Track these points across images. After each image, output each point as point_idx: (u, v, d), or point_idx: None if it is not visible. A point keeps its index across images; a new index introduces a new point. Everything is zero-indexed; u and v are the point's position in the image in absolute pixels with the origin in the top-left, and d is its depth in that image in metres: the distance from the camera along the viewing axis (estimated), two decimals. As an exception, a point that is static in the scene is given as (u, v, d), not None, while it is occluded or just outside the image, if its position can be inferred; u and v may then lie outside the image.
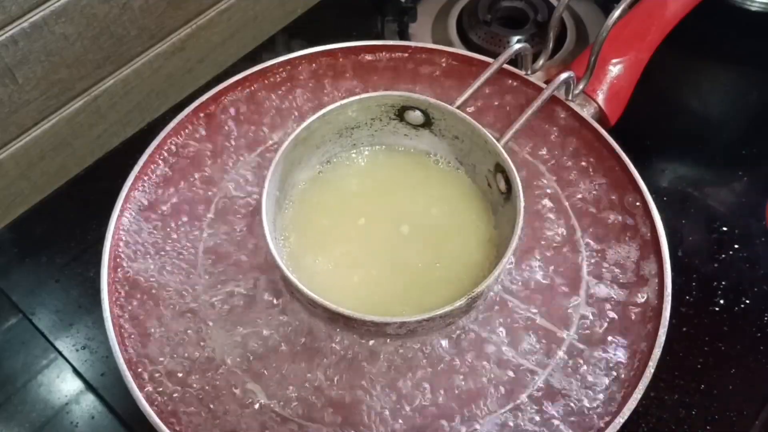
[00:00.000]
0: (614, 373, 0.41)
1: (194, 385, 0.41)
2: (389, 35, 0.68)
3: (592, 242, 0.46)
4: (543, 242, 0.46)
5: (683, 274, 0.52)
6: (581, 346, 0.43)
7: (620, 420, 0.39)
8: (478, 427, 0.40)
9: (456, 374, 0.42)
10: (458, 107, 0.44)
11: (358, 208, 0.47)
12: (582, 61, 0.50)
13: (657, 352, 0.41)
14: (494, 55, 0.48)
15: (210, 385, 0.41)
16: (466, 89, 0.45)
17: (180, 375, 0.41)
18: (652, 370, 0.41)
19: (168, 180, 0.48)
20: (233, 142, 0.50)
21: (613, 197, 0.47)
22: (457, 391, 0.41)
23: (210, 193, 0.48)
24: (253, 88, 0.52)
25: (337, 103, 0.44)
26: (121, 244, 0.45)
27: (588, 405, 0.41)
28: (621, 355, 0.42)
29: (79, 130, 0.58)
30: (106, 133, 0.60)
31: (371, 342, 0.42)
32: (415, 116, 0.46)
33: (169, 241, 0.46)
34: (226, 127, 0.50)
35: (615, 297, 0.44)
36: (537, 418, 0.40)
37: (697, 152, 0.61)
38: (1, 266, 0.54)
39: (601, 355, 0.42)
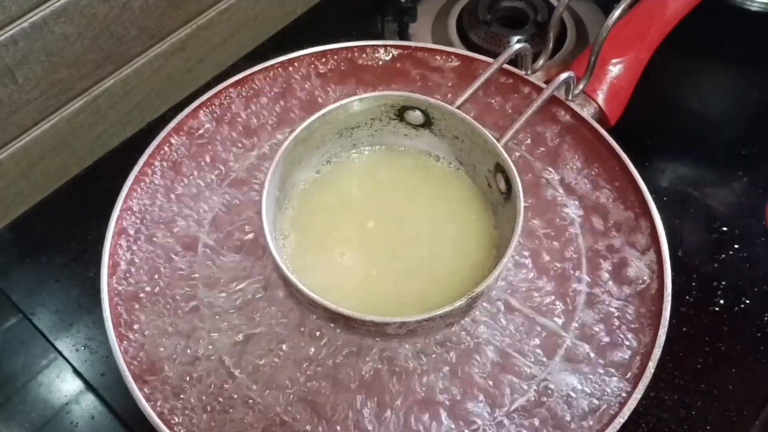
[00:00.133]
0: (614, 373, 0.41)
1: (194, 385, 0.41)
2: (389, 35, 0.68)
3: (592, 242, 0.46)
4: (543, 242, 0.46)
5: (683, 274, 0.52)
6: (581, 346, 0.43)
7: (620, 420, 0.39)
8: (477, 427, 0.40)
9: (455, 374, 0.42)
10: (458, 107, 0.44)
11: (358, 208, 0.47)
12: (582, 61, 0.50)
13: (657, 352, 0.41)
14: (494, 55, 0.48)
15: (210, 385, 0.41)
16: (466, 89, 0.45)
17: (180, 375, 0.41)
18: (652, 370, 0.41)
19: (168, 180, 0.48)
20: (233, 142, 0.50)
21: (613, 197, 0.47)
22: (456, 392, 0.41)
23: (210, 192, 0.48)
24: (253, 88, 0.52)
25: (337, 103, 0.44)
26: (121, 243, 0.45)
27: (588, 405, 0.41)
28: (621, 355, 0.42)
29: (79, 130, 0.58)
30: (106, 133, 0.60)
31: (371, 342, 0.42)
32: (415, 116, 0.46)
33: (171, 240, 0.46)
34: (226, 127, 0.50)
35: (615, 297, 0.44)
36: (537, 418, 0.40)
37: (697, 152, 0.61)
38: (1, 266, 0.54)
39: (600, 354, 0.42)
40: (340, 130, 0.47)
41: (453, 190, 0.47)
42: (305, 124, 0.44)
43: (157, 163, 0.48)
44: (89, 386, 0.49)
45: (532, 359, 0.42)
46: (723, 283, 0.52)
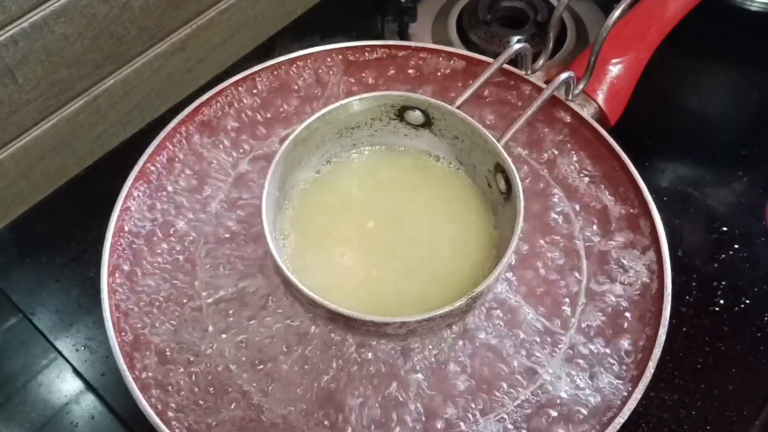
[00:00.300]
0: (614, 373, 0.41)
1: (194, 385, 0.41)
2: (389, 35, 0.68)
3: (591, 242, 0.46)
4: (543, 242, 0.46)
5: (683, 274, 0.52)
6: (581, 345, 0.43)
7: (620, 420, 0.39)
8: (476, 426, 0.40)
9: (454, 374, 0.42)
10: (458, 107, 0.44)
11: (358, 208, 0.47)
12: (582, 61, 0.50)
13: (657, 352, 0.41)
14: (494, 55, 0.48)
15: (210, 385, 0.41)
16: (466, 89, 0.45)
17: (180, 375, 0.41)
18: (652, 370, 0.41)
19: (168, 180, 0.48)
20: (233, 142, 0.50)
21: (613, 197, 0.47)
22: (455, 391, 0.41)
23: (210, 192, 0.48)
24: (253, 88, 0.52)
25: (337, 103, 0.44)
26: (121, 244, 0.45)
27: (588, 405, 0.41)
28: (621, 355, 0.42)
29: (79, 130, 0.58)
30: (106, 133, 0.60)
31: (371, 342, 0.42)
32: (415, 116, 0.46)
33: (171, 240, 0.46)
34: (226, 128, 0.50)
35: (615, 297, 0.44)
36: (536, 418, 0.40)
37: (697, 152, 0.61)
38: (1, 266, 0.54)
39: (600, 355, 0.42)
40: (340, 130, 0.47)
41: (453, 190, 0.47)
42: (305, 124, 0.44)
43: (157, 163, 0.48)
44: (89, 386, 0.49)
45: (532, 359, 0.42)
46: (723, 283, 0.52)
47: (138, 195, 0.47)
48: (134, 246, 0.45)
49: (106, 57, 0.56)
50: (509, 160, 0.42)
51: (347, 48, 0.53)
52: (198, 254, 0.45)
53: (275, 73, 0.52)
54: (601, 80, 0.51)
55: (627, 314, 0.43)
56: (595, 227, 0.47)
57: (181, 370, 0.42)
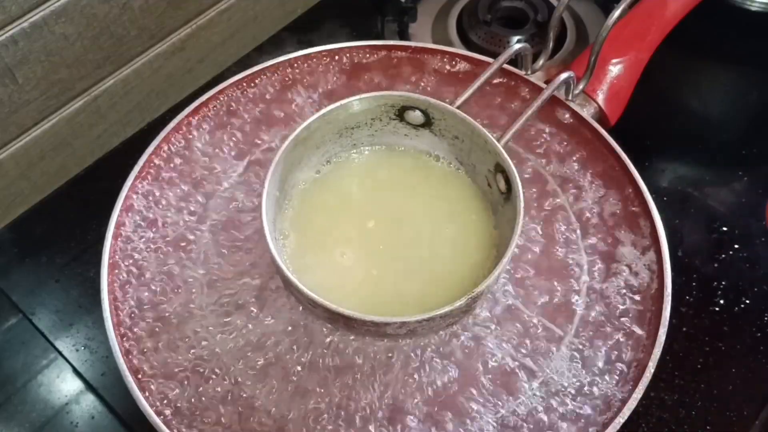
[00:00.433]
0: (614, 373, 0.41)
1: (194, 385, 0.41)
2: (389, 35, 0.68)
3: (591, 242, 0.46)
4: (543, 242, 0.46)
5: (683, 274, 0.52)
6: (581, 345, 0.43)
7: (620, 420, 0.39)
8: (476, 426, 0.40)
9: (454, 374, 0.42)
10: (458, 107, 0.44)
11: (358, 208, 0.47)
12: (582, 61, 0.50)
13: (657, 352, 0.41)
14: (494, 55, 0.48)
15: (210, 385, 0.41)
16: (466, 89, 0.45)
17: (180, 375, 0.41)
18: (652, 370, 0.41)
19: (168, 180, 0.48)
20: (233, 142, 0.50)
21: (613, 197, 0.47)
22: (455, 392, 0.41)
23: (210, 192, 0.48)
24: (253, 88, 0.52)
25: (337, 103, 0.44)
26: (121, 244, 0.45)
27: (588, 405, 0.41)
28: (621, 355, 0.42)
29: (79, 130, 0.58)
30: (106, 133, 0.60)
31: (371, 342, 0.42)
32: (415, 116, 0.46)
33: (171, 240, 0.46)
34: (226, 128, 0.50)
35: (615, 297, 0.44)
36: (536, 418, 0.40)
37: (697, 152, 0.61)
38: (1, 266, 0.54)
39: (600, 354, 0.42)
40: (340, 130, 0.47)
41: (453, 190, 0.47)
42: (305, 124, 0.44)
43: (157, 164, 0.48)
44: (89, 386, 0.49)
45: (532, 358, 0.42)
46: (723, 283, 0.52)
47: (138, 195, 0.47)
48: (134, 246, 0.45)
49: (106, 57, 0.56)
50: (509, 160, 0.42)
51: (347, 48, 0.53)
52: (198, 254, 0.45)
53: (275, 73, 0.52)
54: (601, 80, 0.51)
55: (627, 314, 0.43)
56: (595, 227, 0.47)
57: (182, 370, 0.42)
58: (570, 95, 0.50)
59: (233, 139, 0.50)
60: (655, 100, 0.62)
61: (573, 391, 0.41)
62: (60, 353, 0.50)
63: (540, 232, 0.46)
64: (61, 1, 0.50)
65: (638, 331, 0.43)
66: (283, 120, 0.51)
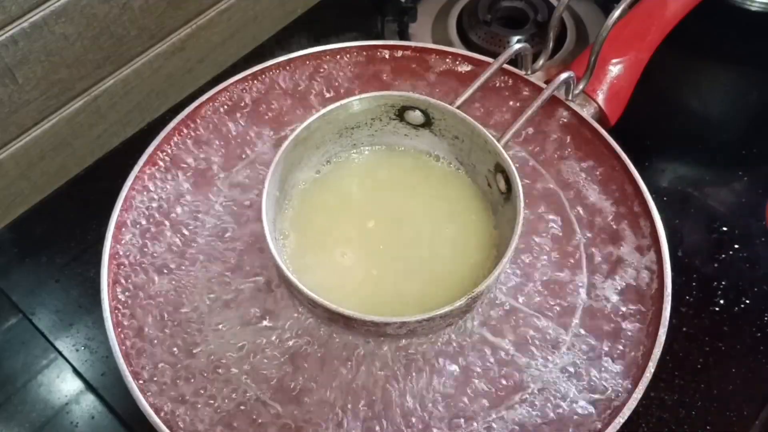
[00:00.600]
0: (614, 373, 0.41)
1: (194, 385, 0.41)
2: (389, 35, 0.68)
3: (591, 242, 0.46)
4: (543, 242, 0.46)
5: (683, 274, 0.52)
6: (581, 345, 0.43)
7: (620, 420, 0.39)
8: (475, 426, 0.40)
9: (454, 374, 0.42)
10: (458, 107, 0.44)
11: (358, 208, 0.47)
12: (582, 61, 0.50)
13: (657, 352, 0.41)
14: (494, 55, 0.48)
15: (210, 385, 0.41)
16: (466, 89, 0.45)
17: (180, 375, 0.41)
18: (652, 370, 0.41)
19: (168, 180, 0.48)
20: (233, 142, 0.50)
21: (613, 197, 0.47)
22: (455, 391, 0.41)
23: (210, 192, 0.48)
24: (253, 88, 0.52)
25: (337, 103, 0.44)
26: (121, 243, 0.45)
27: (588, 405, 0.41)
28: (621, 355, 0.42)
29: (79, 130, 0.58)
30: (106, 133, 0.60)
31: (372, 343, 0.42)
32: (415, 116, 0.46)
33: (170, 240, 0.46)
34: (227, 128, 0.50)
35: (614, 297, 0.44)
36: (536, 419, 0.40)
37: (697, 152, 0.61)
38: (1, 266, 0.54)
39: (600, 354, 0.42)
40: (340, 130, 0.47)
41: (453, 190, 0.47)
42: (305, 124, 0.44)
43: (157, 164, 0.48)
44: (89, 386, 0.49)
45: (531, 358, 0.42)
46: (723, 283, 0.52)
47: (138, 195, 0.47)
48: (134, 246, 0.45)
49: (106, 57, 0.56)
50: (509, 160, 0.42)
51: (347, 48, 0.53)
52: (198, 254, 0.45)
53: (275, 73, 0.52)
54: (601, 80, 0.51)
55: (627, 314, 0.43)
56: (595, 227, 0.47)
57: (182, 370, 0.42)
58: (570, 95, 0.50)
59: (233, 139, 0.50)
60: (655, 100, 0.62)
61: (572, 391, 0.41)
62: (60, 353, 0.50)
63: (539, 232, 0.46)
64: (61, 1, 0.50)
65: (638, 331, 0.43)
66: (282, 120, 0.51)
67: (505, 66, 0.48)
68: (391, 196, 0.47)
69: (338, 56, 0.53)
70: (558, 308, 0.44)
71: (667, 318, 0.42)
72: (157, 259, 0.45)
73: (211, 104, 0.50)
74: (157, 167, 0.48)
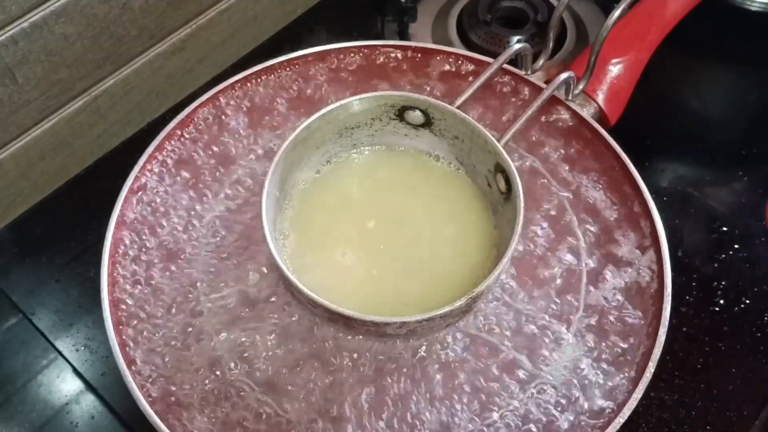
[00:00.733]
0: (614, 373, 0.41)
1: (195, 385, 0.41)
2: (389, 35, 0.68)
3: (591, 242, 0.46)
4: (543, 242, 0.46)
5: (683, 274, 0.52)
6: (581, 345, 0.43)
7: (620, 420, 0.39)
8: (475, 426, 0.40)
9: (453, 374, 0.42)
10: (458, 107, 0.44)
11: (358, 208, 0.47)
12: (582, 61, 0.50)
13: (657, 352, 0.41)
14: (494, 55, 0.48)
15: (211, 385, 0.41)
16: (466, 89, 0.45)
17: (180, 375, 0.41)
18: (652, 370, 0.41)
19: (168, 180, 0.48)
20: (233, 142, 0.50)
21: (613, 197, 0.47)
22: (454, 391, 0.41)
23: (210, 192, 0.48)
24: (253, 88, 0.52)
25: (337, 103, 0.44)
26: (121, 243, 0.45)
27: (587, 404, 0.41)
28: (621, 355, 0.42)
29: (79, 130, 0.58)
30: (106, 133, 0.60)
31: (371, 342, 0.42)
32: (415, 116, 0.46)
33: (170, 241, 0.46)
34: (226, 128, 0.50)
35: (614, 297, 0.44)
36: (536, 419, 0.40)
37: (697, 152, 0.61)
38: (1, 266, 0.54)
39: (601, 354, 0.42)
40: (340, 130, 0.47)
41: (453, 190, 0.47)
42: (305, 124, 0.44)
43: (157, 163, 0.48)
44: (89, 386, 0.49)
45: (531, 359, 0.42)
46: (723, 283, 0.52)
47: (138, 195, 0.47)
48: (134, 246, 0.45)
49: (106, 57, 0.56)
50: (509, 160, 0.42)
51: (347, 48, 0.53)
52: (199, 254, 0.45)
53: (275, 73, 0.52)
54: (601, 80, 0.51)
55: (627, 314, 0.43)
56: (595, 227, 0.47)
57: (182, 369, 0.42)
58: (570, 95, 0.50)
59: (233, 138, 0.50)
60: (655, 100, 0.62)
61: (572, 391, 0.41)
62: (60, 353, 0.50)
63: (540, 233, 0.46)
64: (61, 1, 0.50)
65: (638, 331, 0.43)
66: (282, 120, 0.51)
67: (505, 66, 0.48)
68: (391, 196, 0.47)
69: (338, 56, 0.53)
70: (558, 308, 0.44)
71: (667, 318, 0.42)
72: (157, 259, 0.45)
73: (211, 104, 0.50)
74: (157, 167, 0.48)
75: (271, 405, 0.41)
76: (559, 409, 0.41)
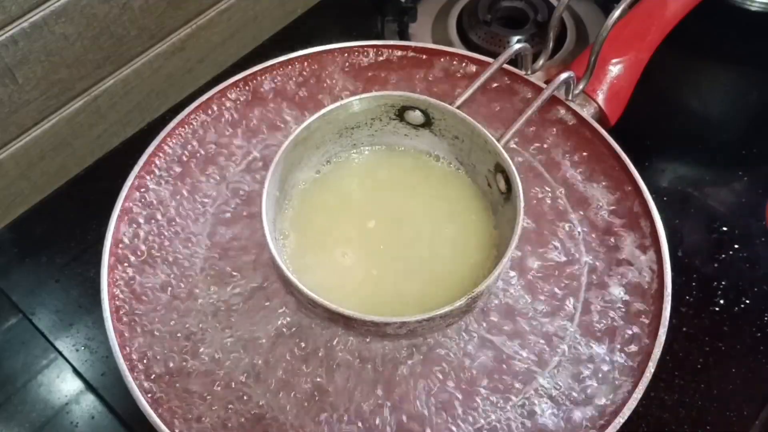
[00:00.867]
0: (614, 373, 0.41)
1: (195, 386, 0.41)
2: (389, 35, 0.68)
3: (591, 241, 0.46)
4: (542, 242, 0.46)
5: (683, 274, 0.52)
6: (580, 345, 0.43)
7: (620, 420, 0.39)
8: (475, 426, 0.40)
9: (453, 374, 0.42)
10: (458, 107, 0.44)
11: (358, 208, 0.47)
12: (582, 61, 0.50)
13: (657, 352, 0.41)
14: (494, 55, 0.48)
15: (211, 385, 0.41)
16: (466, 89, 0.45)
17: (181, 375, 0.41)
18: (652, 370, 0.41)
19: (168, 180, 0.48)
20: (233, 142, 0.50)
21: (613, 197, 0.47)
22: (452, 391, 0.41)
23: (210, 192, 0.48)
24: (253, 88, 0.52)
25: (337, 103, 0.44)
26: (121, 243, 0.45)
27: (587, 404, 0.41)
28: (621, 355, 0.42)
29: (79, 130, 0.58)
30: (106, 133, 0.60)
31: (371, 342, 0.42)
32: (415, 116, 0.46)
33: (170, 240, 0.46)
34: (226, 128, 0.50)
35: (615, 297, 0.44)
36: (536, 418, 0.40)
37: (697, 152, 0.61)
38: (1, 266, 0.54)
39: (600, 354, 0.42)
40: (340, 130, 0.47)
41: (453, 190, 0.47)
42: (305, 124, 0.44)
43: (157, 163, 0.48)
44: (89, 386, 0.49)
45: (531, 359, 0.42)
46: (723, 283, 0.52)
47: (138, 195, 0.47)
48: (134, 246, 0.45)
49: (106, 57, 0.56)
50: (509, 160, 0.42)
51: (347, 48, 0.53)
52: (200, 254, 0.45)
53: (275, 73, 0.52)
54: (601, 80, 0.51)
55: (627, 314, 0.43)
56: (594, 227, 0.47)
57: (183, 370, 0.42)
58: (570, 95, 0.50)
59: (233, 139, 0.50)
60: (655, 100, 0.62)
61: (572, 391, 0.41)
62: (60, 353, 0.50)
63: (539, 232, 0.46)
64: (61, 1, 0.50)
65: (638, 331, 0.43)
66: (282, 120, 0.51)
67: (505, 66, 0.48)
68: (391, 196, 0.47)
69: (338, 56, 0.53)
70: (557, 308, 0.44)
71: (667, 318, 0.42)
72: (158, 259, 0.45)
73: (211, 104, 0.50)
74: (157, 167, 0.48)
75: (272, 405, 0.41)
76: (558, 409, 0.41)
